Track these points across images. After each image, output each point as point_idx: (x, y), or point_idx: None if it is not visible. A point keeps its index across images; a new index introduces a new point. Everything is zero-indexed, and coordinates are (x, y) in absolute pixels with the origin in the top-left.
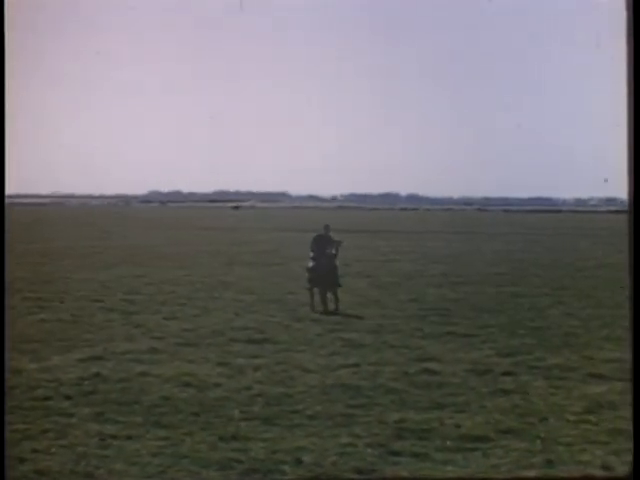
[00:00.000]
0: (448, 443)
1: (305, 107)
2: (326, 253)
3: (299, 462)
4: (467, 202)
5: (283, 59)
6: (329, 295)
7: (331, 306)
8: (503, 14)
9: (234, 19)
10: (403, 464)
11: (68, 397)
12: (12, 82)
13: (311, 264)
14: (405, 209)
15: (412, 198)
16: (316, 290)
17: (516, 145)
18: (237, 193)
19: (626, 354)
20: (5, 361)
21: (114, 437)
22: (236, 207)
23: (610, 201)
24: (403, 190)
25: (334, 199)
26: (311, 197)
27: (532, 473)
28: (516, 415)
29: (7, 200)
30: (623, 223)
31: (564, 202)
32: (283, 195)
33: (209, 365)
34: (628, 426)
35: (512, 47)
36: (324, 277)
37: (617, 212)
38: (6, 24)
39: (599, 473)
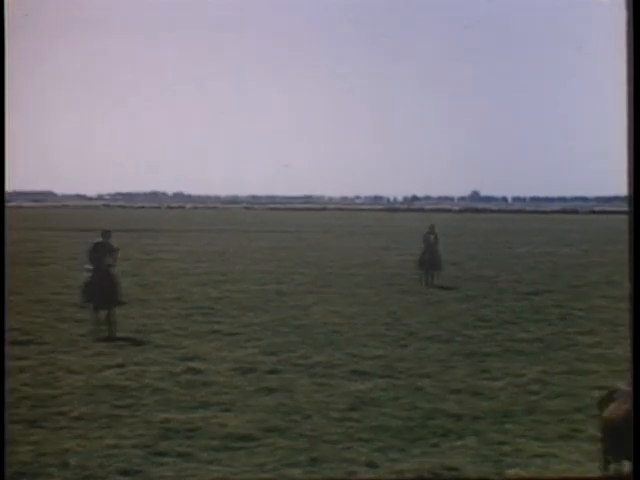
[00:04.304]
0: (213, 442)
1: (69, 106)
2: (104, 266)
3: (66, 465)
4: (234, 200)
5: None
6: (103, 314)
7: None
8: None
9: None
10: (169, 464)
11: None
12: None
13: (88, 278)
14: (171, 207)
15: (179, 196)
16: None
17: (285, 144)
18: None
19: (389, 351)
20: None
21: None
22: None
23: (377, 199)
24: (170, 189)
25: (100, 198)
26: (78, 196)
27: (297, 471)
28: (281, 413)
29: None
30: (390, 220)
31: (330, 200)
32: (49, 194)
33: None
34: (392, 423)
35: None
36: (102, 293)
37: (388, 210)
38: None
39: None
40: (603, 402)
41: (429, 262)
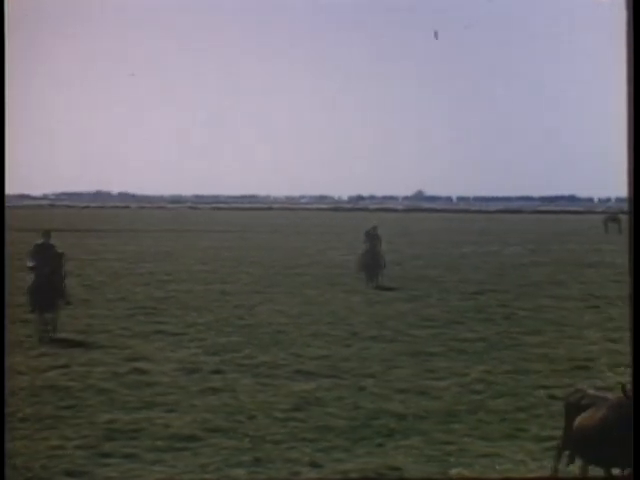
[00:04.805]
0: (158, 443)
1: (15, 104)
2: (46, 267)
3: (11, 466)
4: (177, 200)
5: None
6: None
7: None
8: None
9: None
10: (113, 465)
11: None
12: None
13: (31, 281)
14: (116, 207)
15: (124, 196)
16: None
17: (229, 144)
18: None
19: (333, 351)
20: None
21: None
22: None
23: (322, 199)
24: (115, 188)
25: (45, 197)
26: (22, 196)
27: (241, 471)
28: (225, 414)
29: None
30: (335, 220)
31: (275, 199)
32: None
33: None
34: (336, 423)
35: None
36: (45, 295)
37: (333, 210)
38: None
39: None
40: (571, 407)
41: (372, 263)
